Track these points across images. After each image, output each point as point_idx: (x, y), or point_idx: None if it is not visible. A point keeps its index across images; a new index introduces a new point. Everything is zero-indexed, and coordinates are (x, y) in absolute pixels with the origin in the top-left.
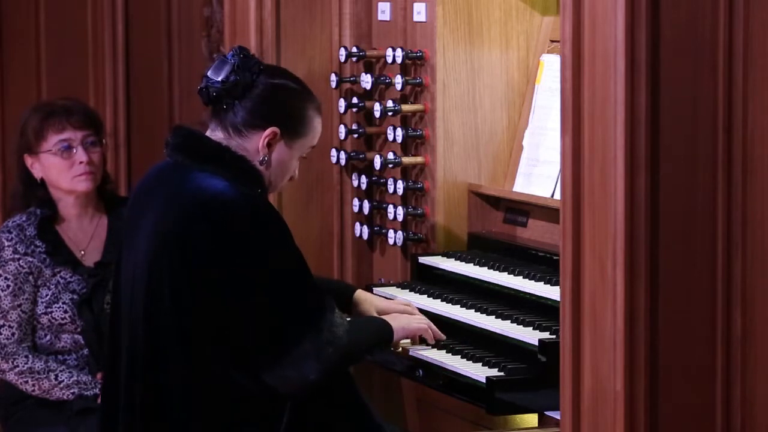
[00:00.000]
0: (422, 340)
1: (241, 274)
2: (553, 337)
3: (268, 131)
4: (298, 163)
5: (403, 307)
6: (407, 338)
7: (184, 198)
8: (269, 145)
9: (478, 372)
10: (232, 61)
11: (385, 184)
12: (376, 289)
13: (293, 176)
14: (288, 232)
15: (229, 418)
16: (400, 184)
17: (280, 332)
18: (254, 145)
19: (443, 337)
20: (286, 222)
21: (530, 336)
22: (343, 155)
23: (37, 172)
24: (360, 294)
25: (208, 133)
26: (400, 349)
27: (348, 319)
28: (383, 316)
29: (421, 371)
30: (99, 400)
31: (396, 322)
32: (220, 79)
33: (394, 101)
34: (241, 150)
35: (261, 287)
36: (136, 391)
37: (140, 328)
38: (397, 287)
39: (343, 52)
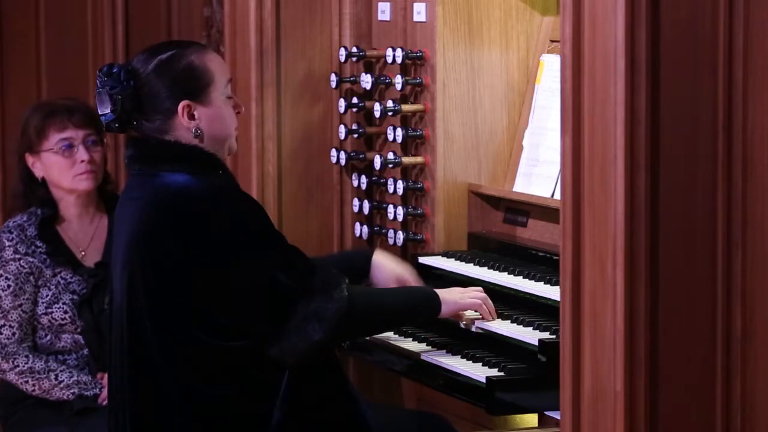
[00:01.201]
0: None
1: (217, 260)
2: (553, 337)
3: (180, 109)
4: (231, 100)
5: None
6: (459, 312)
7: (150, 198)
8: (192, 117)
9: (478, 372)
10: (105, 88)
11: (385, 184)
12: None
13: (239, 111)
14: (256, 207)
15: (218, 413)
16: (400, 184)
17: (273, 305)
18: (181, 128)
19: (494, 317)
20: (254, 199)
21: (530, 336)
22: (343, 155)
23: (38, 171)
24: (378, 258)
25: None
26: (464, 322)
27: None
28: (441, 291)
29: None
30: (100, 400)
31: (449, 294)
32: (109, 110)
33: (394, 101)
34: (182, 140)
35: (239, 266)
36: (126, 390)
37: (125, 330)
38: None
39: (343, 52)
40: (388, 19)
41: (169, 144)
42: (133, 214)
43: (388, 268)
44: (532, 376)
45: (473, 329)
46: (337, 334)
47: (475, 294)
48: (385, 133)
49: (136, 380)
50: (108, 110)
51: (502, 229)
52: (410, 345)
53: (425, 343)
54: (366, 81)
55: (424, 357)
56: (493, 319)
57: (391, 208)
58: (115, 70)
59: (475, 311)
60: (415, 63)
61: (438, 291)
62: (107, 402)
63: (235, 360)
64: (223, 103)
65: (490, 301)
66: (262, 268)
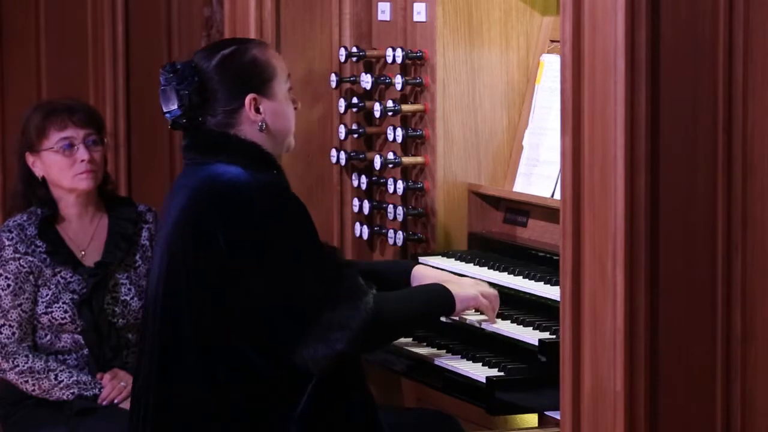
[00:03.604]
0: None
1: (253, 256)
2: (553, 337)
3: (248, 102)
4: (291, 96)
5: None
6: (471, 309)
7: (200, 186)
8: (257, 111)
9: (478, 372)
10: (170, 84)
11: (385, 184)
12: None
13: (296, 107)
14: (300, 208)
15: (242, 402)
16: (400, 184)
17: (300, 310)
18: (246, 122)
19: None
20: (300, 201)
21: (530, 336)
22: (343, 155)
23: (38, 170)
24: (417, 270)
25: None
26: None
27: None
28: (447, 284)
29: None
30: (99, 400)
31: (461, 289)
32: (176, 106)
33: (394, 101)
34: (243, 134)
35: (274, 268)
36: (152, 381)
37: (158, 319)
38: None
39: (343, 52)
40: (388, 19)
41: (227, 136)
42: (181, 200)
43: (428, 276)
44: (532, 376)
45: (483, 327)
46: (360, 345)
47: (488, 293)
48: (385, 133)
49: (165, 367)
50: (175, 106)
51: (502, 229)
52: (410, 345)
53: (425, 343)
54: (366, 81)
55: (423, 357)
56: (494, 322)
57: (391, 208)
58: (179, 67)
59: (480, 312)
60: (415, 63)
61: (449, 285)
62: (131, 394)
63: (258, 360)
64: (285, 98)
65: (498, 302)
66: (293, 268)
